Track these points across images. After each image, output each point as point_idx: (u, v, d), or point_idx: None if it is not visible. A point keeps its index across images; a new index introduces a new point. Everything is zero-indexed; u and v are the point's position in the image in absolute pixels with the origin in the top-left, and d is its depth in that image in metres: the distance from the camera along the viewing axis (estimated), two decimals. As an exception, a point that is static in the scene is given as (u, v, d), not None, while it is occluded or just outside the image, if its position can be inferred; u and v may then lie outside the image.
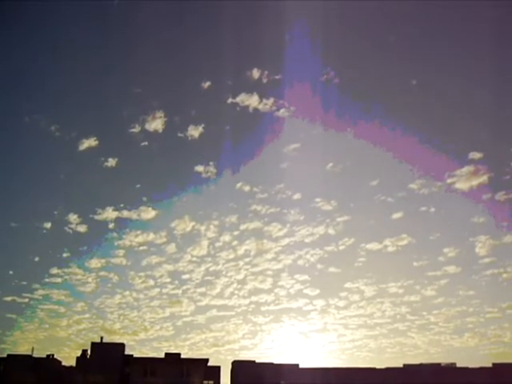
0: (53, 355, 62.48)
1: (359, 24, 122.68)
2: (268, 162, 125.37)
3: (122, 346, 63.28)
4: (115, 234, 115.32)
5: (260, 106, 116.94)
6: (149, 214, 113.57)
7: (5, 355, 60.78)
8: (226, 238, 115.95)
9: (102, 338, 63.85)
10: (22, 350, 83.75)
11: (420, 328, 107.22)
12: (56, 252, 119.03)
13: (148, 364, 59.67)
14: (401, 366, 66.19)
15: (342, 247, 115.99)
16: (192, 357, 62.98)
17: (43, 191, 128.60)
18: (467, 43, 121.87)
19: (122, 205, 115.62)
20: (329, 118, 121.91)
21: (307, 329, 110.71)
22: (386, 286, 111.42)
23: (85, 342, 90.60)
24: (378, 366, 65.67)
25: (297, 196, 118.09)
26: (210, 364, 61.81)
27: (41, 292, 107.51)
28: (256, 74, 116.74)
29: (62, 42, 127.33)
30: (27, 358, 60.38)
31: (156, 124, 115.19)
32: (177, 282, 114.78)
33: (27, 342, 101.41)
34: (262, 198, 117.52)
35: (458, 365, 66.19)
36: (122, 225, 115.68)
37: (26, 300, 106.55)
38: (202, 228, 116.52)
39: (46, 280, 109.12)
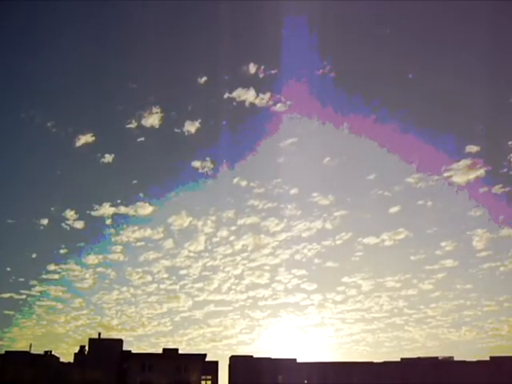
0: (50, 352, 62.40)
1: (355, 18, 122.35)
2: (265, 156, 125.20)
3: (119, 341, 63.17)
4: (112, 230, 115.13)
5: (256, 101, 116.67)
6: (146, 209, 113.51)
7: (2, 352, 60.88)
8: (223, 233, 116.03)
9: (99, 334, 63.90)
10: (20, 346, 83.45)
11: (417, 322, 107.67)
12: (53, 248, 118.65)
13: (146, 360, 59.69)
14: (398, 359, 66.45)
15: (339, 242, 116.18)
16: (190, 352, 63.09)
17: (40, 187, 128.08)
18: (464, 37, 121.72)
19: (118, 201, 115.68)
20: (325, 112, 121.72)
21: (304, 323, 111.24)
22: (384, 280, 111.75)
23: (82, 338, 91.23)
24: (375, 360, 66.15)
25: (294, 191, 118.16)
26: (207, 359, 61.89)
27: (38, 288, 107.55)
28: (252, 68, 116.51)
29: (57, 38, 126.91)
30: (25, 355, 60.31)
31: (153, 119, 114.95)
32: (174, 277, 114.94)
33: (25, 338, 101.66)
34: (259, 193, 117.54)
35: (456, 358, 66.52)
36: (119, 221, 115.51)
37: (24, 296, 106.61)
38: (199, 223, 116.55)
39: (44, 276, 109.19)
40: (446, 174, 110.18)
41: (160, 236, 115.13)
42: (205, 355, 61.58)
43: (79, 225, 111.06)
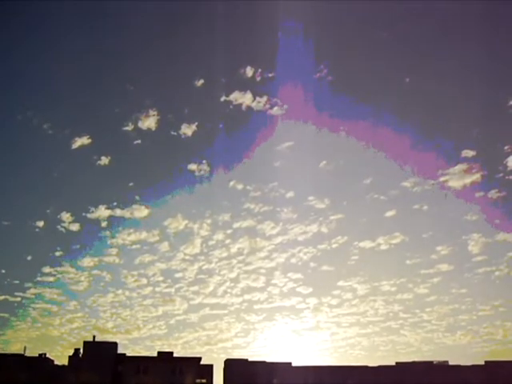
0: (45, 354, 62.11)
1: (352, 22, 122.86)
2: (261, 160, 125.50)
3: (114, 344, 62.98)
4: (108, 233, 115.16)
5: (253, 104, 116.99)
6: (142, 212, 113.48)
7: (-4, 354, 60.60)
8: (219, 236, 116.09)
9: (94, 336, 63.57)
10: (15, 349, 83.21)
11: (412, 326, 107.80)
12: (48, 251, 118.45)
13: (141, 363, 59.55)
14: (393, 363, 66.50)
15: (335, 245, 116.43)
16: (185, 355, 62.95)
17: (36, 189, 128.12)
18: (460, 41, 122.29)
19: (114, 203, 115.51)
20: (322, 116, 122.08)
21: (300, 327, 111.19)
22: (379, 284, 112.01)
23: (77, 341, 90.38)
24: (370, 364, 65.98)
25: (290, 194, 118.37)
26: (202, 363, 61.72)
27: (33, 291, 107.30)
28: (249, 71, 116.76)
29: (55, 40, 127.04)
30: (19, 358, 60.06)
31: (149, 122, 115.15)
32: (170, 280, 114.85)
33: (19, 341, 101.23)
34: (255, 197, 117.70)
35: (451, 363, 66.56)
36: (115, 223, 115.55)
37: (19, 299, 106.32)
38: (195, 226, 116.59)
39: (39, 279, 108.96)
40: (442, 179, 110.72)
41: (156, 239, 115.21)
42: (200, 358, 61.48)
43: (75, 227, 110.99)
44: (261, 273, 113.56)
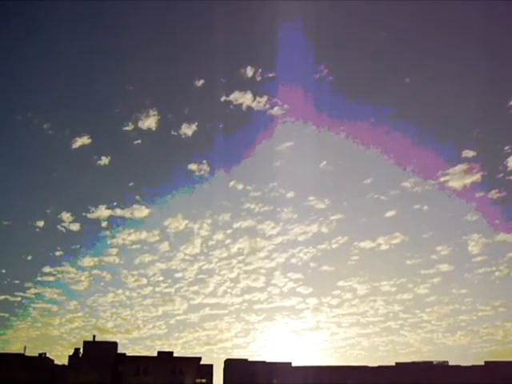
0: (45, 354, 62.27)
1: (352, 22, 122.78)
2: (261, 160, 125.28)
3: (114, 344, 63.15)
4: (108, 233, 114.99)
5: (253, 104, 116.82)
6: (142, 212, 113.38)
7: (-4, 354, 60.64)
8: (219, 236, 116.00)
9: (94, 336, 63.73)
10: (15, 348, 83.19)
11: (412, 326, 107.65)
12: (49, 250, 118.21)
13: (141, 362, 59.51)
14: (393, 364, 66.60)
15: (335, 245, 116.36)
16: (185, 355, 63.00)
17: (36, 189, 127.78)
18: (460, 41, 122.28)
19: (115, 203, 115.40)
20: (322, 116, 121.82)
21: (300, 327, 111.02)
22: (379, 285, 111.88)
23: (77, 341, 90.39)
24: (370, 365, 66.18)
25: (290, 194, 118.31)
26: (202, 362, 61.76)
27: (33, 291, 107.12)
28: (249, 72, 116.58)
29: (54, 41, 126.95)
30: (19, 357, 60.13)
31: (149, 122, 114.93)
32: (170, 280, 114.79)
33: (19, 340, 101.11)
34: (255, 197, 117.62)
35: (451, 363, 66.68)
36: (115, 223, 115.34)
37: (19, 299, 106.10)
38: (195, 226, 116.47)
39: (39, 279, 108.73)
40: (442, 179, 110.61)
41: (156, 239, 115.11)
42: (200, 358, 61.48)
43: (75, 227, 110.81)
44: (261, 273, 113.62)
